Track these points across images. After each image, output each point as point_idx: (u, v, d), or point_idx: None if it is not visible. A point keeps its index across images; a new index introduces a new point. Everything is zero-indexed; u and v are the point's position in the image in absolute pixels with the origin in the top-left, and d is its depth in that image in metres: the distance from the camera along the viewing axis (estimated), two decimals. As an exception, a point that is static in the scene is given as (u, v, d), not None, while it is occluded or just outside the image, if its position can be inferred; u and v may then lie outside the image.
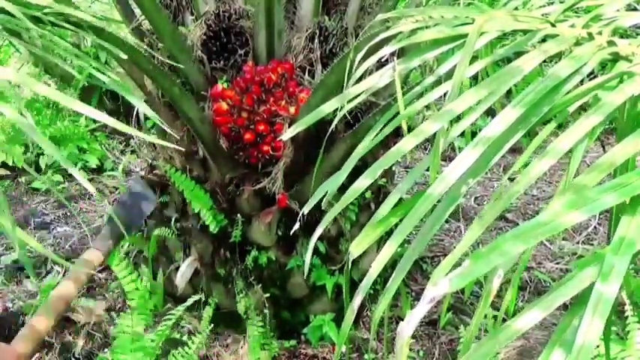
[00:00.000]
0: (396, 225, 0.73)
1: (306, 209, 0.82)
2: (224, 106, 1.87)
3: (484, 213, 0.63)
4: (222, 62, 1.94)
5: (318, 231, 0.76)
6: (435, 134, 0.74)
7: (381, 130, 0.87)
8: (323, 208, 0.81)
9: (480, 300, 0.63)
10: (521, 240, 0.55)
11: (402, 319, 0.58)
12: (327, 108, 0.88)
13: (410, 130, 2.33)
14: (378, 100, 1.95)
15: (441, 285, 0.54)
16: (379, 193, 2.25)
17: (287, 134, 0.84)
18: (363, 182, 0.75)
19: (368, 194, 2.17)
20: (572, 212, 0.55)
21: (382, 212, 0.74)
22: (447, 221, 3.07)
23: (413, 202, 0.69)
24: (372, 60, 0.93)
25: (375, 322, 0.72)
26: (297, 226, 1.17)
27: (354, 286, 0.94)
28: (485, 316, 2.15)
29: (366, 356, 2.13)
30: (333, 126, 1.02)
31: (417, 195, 0.69)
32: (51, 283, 2.40)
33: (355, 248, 0.70)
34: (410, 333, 0.57)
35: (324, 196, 0.83)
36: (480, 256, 0.54)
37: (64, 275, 2.56)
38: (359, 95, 0.89)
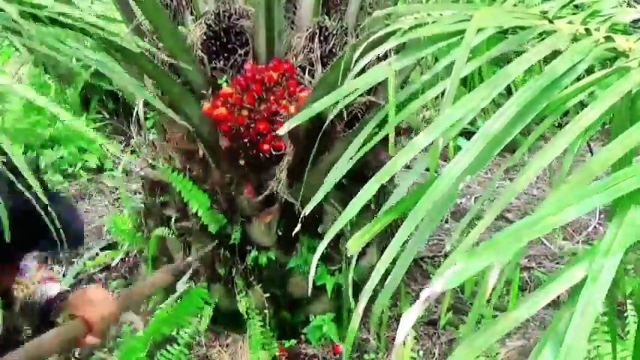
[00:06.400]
0: (395, 224, 0.73)
1: (306, 210, 0.82)
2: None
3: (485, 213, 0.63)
4: (222, 62, 1.94)
5: (323, 244, 0.75)
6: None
7: (378, 126, 0.87)
8: (318, 200, 0.81)
9: (476, 298, 0.62)
10: (516, 238, 0.55)
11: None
12: (322, 105, 0.87)
13: (410, 128, 2.30)
14: (378, 100, 1.95)
15: (436, 284, 0.54)
16: (379, 193, 2.24)
17: (282, 129, 0.84)
18: (360, 199, 0.76)
19: (368, 194, 2.16)
20: (567, 209, 0.54)
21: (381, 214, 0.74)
22: (446, 221, 3.07)
23: (410, 200, 0.68)
24: (371, 56, 0.92)
25: (374, 318, 0.71)
26: (298, 227, 1.16)
27: (353, 286, 0.94)
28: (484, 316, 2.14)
29: (366, 356, 2.13)
30: (328, 123, 1.01)
31: (414, 194, 0.69)
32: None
33: (352, 246, 0.69)
34: (407, 332, 0.57)
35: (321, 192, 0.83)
36: (475, 254, 0.54)
37: (64, 275, 2.56)
38: (355, 91, 0.89)
